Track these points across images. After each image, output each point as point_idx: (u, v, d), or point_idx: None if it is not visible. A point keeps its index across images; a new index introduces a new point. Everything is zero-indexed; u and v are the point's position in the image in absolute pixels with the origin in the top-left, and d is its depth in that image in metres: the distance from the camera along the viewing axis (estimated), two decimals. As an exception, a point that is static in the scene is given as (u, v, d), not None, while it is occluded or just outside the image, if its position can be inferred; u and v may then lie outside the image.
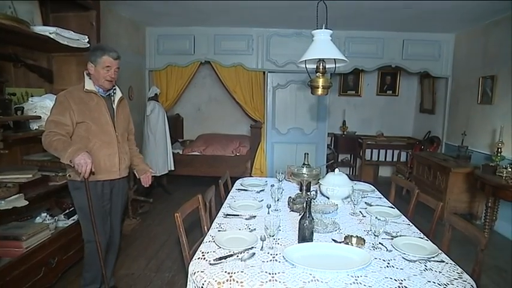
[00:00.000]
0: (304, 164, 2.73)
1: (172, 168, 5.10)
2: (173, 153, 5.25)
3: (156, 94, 4.96)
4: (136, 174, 2.62)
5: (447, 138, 5.51)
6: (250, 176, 5.37)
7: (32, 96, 2.75)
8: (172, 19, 4.81)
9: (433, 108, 6.03)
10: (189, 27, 5.22)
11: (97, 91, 2.21)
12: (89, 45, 2.77)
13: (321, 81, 2.26)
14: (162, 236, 3.81)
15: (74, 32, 2.58)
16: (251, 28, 5.24)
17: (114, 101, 2.33)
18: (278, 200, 2.27)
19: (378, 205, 2.47)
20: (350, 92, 6.86)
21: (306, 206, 1.69)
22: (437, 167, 4.61)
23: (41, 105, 2.48)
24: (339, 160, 6.73)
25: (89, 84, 2.20)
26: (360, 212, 2.31)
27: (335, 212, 2.21)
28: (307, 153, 2.70)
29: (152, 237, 3.79)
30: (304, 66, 2.42)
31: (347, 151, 6.76)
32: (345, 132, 6.65)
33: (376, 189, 2.90)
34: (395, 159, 6.52)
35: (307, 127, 5.46)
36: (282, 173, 2.78)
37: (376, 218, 1.73)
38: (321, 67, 2.27)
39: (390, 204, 2.53)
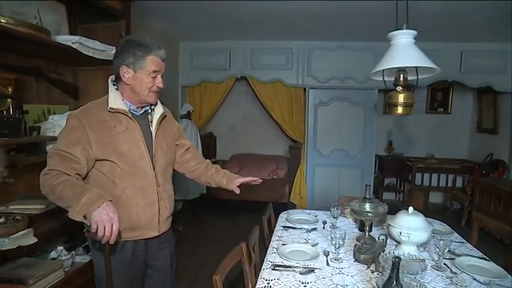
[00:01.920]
0: (365, 198, 2.23)
1: (204, 192, 4.71)
2: (205, 175, 4.87)
3: (189, 112, 4.65)
4: (227, 187, 1.93)
5: (516, 163, 4.80)
6: (289, 202, 4.93)
7: (54, 113, 2.46)
8: (208, 32, 4.54)
9: (496, 127, 5.33)
10: (225, 41, 4.93)
11: (127, 109, 1.53)
12: (117, 56, 2.45)
13: (401, 97, 1.78)
14: (193, 270, 3.39)
15: (100, 42, 2.28)
16: (291, 41, 4.87)
17: (152, 121, 1.63)
18: (339, 247, 1.79)
19: (465, 255, 1.93)
20: (396, 109, 6.27)
21: (393, 269, 1.21)
22: (511, 197, 3.92)
23: (61, 124, 2.16)
24: (384, 184, 6.11)
25: (115, 100, 1.51)
26: (445, 265, 1.78)
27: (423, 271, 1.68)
28: (369, 185, 2.22)
29: (181, 271, 3.38)
30: (377, 78, 1.95)
31: (394, 175, 6.12)
32: (392, 154, 6.05)
33: (453, 231, 2.33)
34: (448, 184, 5.80)
35: (352, 148, 4.94)
36: (337, 208, 2.30)
37: (474, 278, 1.21)
38: (401, 79, 1.79)
39: (480, 253, 1.97)
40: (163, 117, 1.68)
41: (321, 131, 4.94)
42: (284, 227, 2.29)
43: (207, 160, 1.99)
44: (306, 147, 4.98)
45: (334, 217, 2.32)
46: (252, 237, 1.97)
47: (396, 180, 6.30)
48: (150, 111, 1.64)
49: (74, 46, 2.05)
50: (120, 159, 1.49)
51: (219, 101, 5.13)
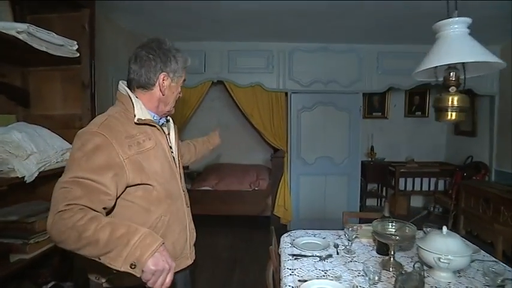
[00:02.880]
0: (384, 216, 1.91)
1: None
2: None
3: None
4: (209, 146, 2.12)
5: (498, 165, 4.74)
6: (273, 215, 4.58)
7: (-4, 126, 1.93)
8: (180, 32, 4.10)
9: (474, 129, 5.30)
10: (199, 42, 4.50)
11: (152, 118, 1.33)
12: (78, 54, 1.98)
13: (455, 100, 1.46)
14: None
15: (57, 34, 1.80)
16: (271, 43, 4.53)
17: (169, 133, 1.46)
18: (375, 283, 1.44)
19: (508, 279, 1.65)
20: (376, 113, 6.14)
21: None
22: (500, 200, 3.83)
23: (4, 140, 1.66)
24: (367, 190, 5.91)
25: (142, 110, 1.28)
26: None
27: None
28: (387, 202, 1.91)
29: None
30: (421, 79, 1.64)
31: (376, 180, 5.95)
32: (373, 159, 5.87)
33: (479, 248, 2.07)
34: (430, 187, 5.71)
35: (337, 155, 4.67)
36: (351, 229, 1.96)
37: None
38: (453, 78, 1.48)
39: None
40: (177, 128, 1.55)
41: (305, 137, 4.63)
42: (293, 255, 1.90)
43: (187, 141, 2.01)
44: (290, 155, 4.65)
45: (349, 240, 1.97)
46: (269, 274, 1.57)
47: (378, 186, 6.15)
48: (165, 122, 1.47)
49: (19, 37, 1.57)
50: (156, 180, 1.26)
51: (193, 107, 4.69)
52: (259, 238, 4.36)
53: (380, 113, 6.15)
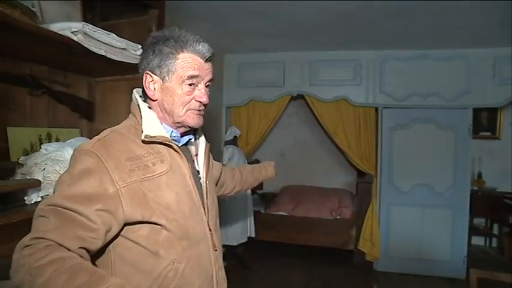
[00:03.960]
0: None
1: (253, 235, 3.84)
2: (253, 211, 4.00)
3: (235, 137, 3.87)
4: (260, 177, 1.75)
5: None
6: (357, 250, 3.93)
7: (57, 140, 1.74)
8: (256, 42, 3.80)
9: None
10: (278, 53, 4.15)
11: (168, 136, 1.01)
12: (144, 60, 1.71)
13: None
14: None
15: (118, 36, 1.54)
16: (359, 51, 3.99)
17: (197, 154, 1.13)
18: None
19: None
20: (484, 133, 5.11)
21: None
22: None
23: (56, 158, 1.41)
24: (473, 226, 4.89)
25: (152, 124, 0.99)
26: None
27: None
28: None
29: None
30: None
31: (484, 214, 4.88)
32: (481, 188, 4.85)
33: None
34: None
35: (439, 183, 3.86)
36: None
37: None
38: None
39: None
40: (209, 148, 1.17)
41: (398, 161, 3.93)
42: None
43: (232, 167, 1.65)
44: (379, 181, 3.98)
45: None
46: None
47: (486, 221, 5.07)
48: (194, 139, 1.14)
49: (74, 38, 1.31)
50: (167, 216, 0.95)
51: (271, 123, 4.31)
52: (339, 277, 3.75)
53: (489, 133, 5.12)
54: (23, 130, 1.59)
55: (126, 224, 0.92)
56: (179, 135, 1.07)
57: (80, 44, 1.33)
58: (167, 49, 0.98)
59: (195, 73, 0.98)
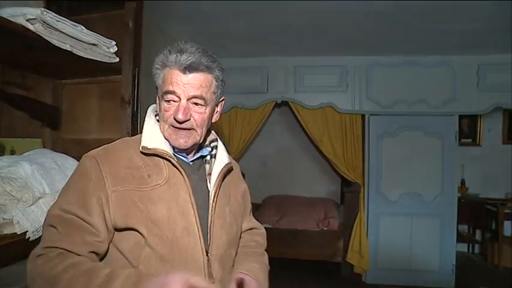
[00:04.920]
0: None
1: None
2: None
3: (217, 145, 3.65)
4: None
5: None
6: (345, 262, 3.78)
7: (12, 152, 1.46)
8: (239, 46, 3.63)
9: None
10: (261, 58, 3.98)
11: (170, 152, 0.97)
12: (117, 59, 1.48)
13: None
14: None
15: (87, 29, 1.30)
16: (344, 56, 3.87)
17: (211, 174, 1.04)
18: None
19: None
20: (465, 140, 5.12)
21: None
22: None
23: (7, 176, 1.15)
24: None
25: (152, 137, 0.98)
26: None
27: None
28: None
29: None
30: None
31: (467, 221, 4.86)
32: (464, 195, 4.83)
33: None
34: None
35: (427, 192, 3.78)
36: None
37: None
38: None
39: None
40: (228, 169, 1.08)
41: (386, 169, 3.82)
42: None
43: (261, 250, 1.23)
44: (367, 190, 3.85)
45: None
46: None
47: (468, 227, 5.07)
48: (208, 157, 1.08)
49: (31, 27, 1.07)
50: (152, 230, 0.90)
51: (254, 131, 4.11)
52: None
53: (470, 139, 5.15)
54: (-32, 141, 1.32)
55: (116, 230, 0.92)
56: (186, 151, 1.02)
57: (37, 35, 1.09)
58: (157, 64, 0.97)
59: (169, 89, 0.92)
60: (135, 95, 1.54)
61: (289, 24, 3.00)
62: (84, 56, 1.28)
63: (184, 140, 0.96)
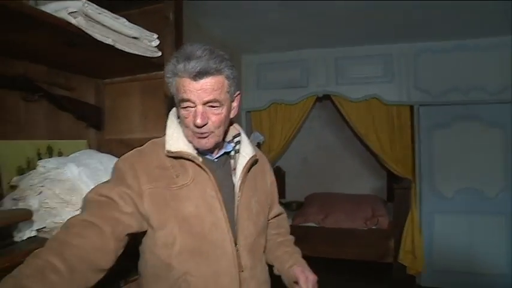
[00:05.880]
0: None
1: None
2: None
3: (258, 143, 3.55)
4: (287, 283, 1.18)
5: None
6: (397, 263, 3.55)
7: (59, 155, 1.44)
8: (278, 40, 3.50)
9: None
10: (300, 51, 3.83)
11: (194, 153, 1.01)
12: (160, 53, 1.41)
13: None
14: None
15: (129, 22, 1.23)
16: (389, 45, 3.63)
17: (236, 168, 1.08)
18: None
19: None
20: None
21: None
22: None
23: (55, 178, 1.11)
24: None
25: (175, 139, 1.02)
26: None
27: None
28: None
29: None
30: None
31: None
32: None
33: None
34: None
35: (488, 187, 3.45)
36: None
37: None
38: None
39: None
40: (253, 162, 1.10)
41: (440, 163, 3.54)
42: None
43: (290, 236, 1.32)
44: (419, 186, 3.59)
45: None
46: None
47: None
48: (233, 153, 1.11)
49: (72, 21, 1.01)
50: (183, 227, 0.96)
51: (295, 127, 3.97)
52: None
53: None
54: (16, 144, 1.30)
55: (150, 227, 0.97)
56: (210, 150, 1.04)
57: (80, 29, 1.03)
58: (167, 75, 0.98)
59: (183, 97, 0.94)
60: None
61: (328, 14, 2.83)
62: (127, 51, 1.22)
63: (206, 142, 0.99)
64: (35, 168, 1.21)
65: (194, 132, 0.97)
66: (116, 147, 1.57)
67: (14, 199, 1.11)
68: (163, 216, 0.96)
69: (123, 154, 1.29)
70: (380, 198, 4.41)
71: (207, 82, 0.92)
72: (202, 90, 0.92)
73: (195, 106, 0.94)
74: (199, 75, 0.91)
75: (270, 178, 1.26)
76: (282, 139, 3.96)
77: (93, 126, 1.64)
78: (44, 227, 1.03)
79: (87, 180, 1.15)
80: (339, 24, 3.10)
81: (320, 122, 5.03)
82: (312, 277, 1.09)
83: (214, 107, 0.95)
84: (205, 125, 0.95)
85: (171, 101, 1.47)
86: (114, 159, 1.37)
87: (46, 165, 1.19)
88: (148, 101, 1.60)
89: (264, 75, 3.98)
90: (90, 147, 1.62)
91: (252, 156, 1.09)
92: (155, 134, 1.45)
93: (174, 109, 1.09)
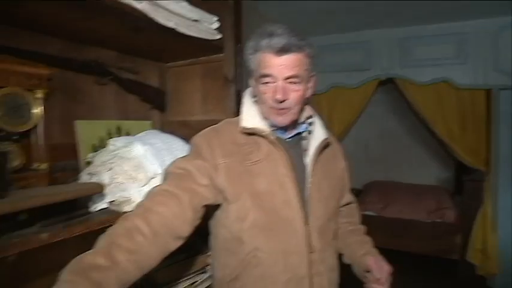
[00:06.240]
0: None
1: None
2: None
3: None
4: (358, 271, 1.20)
5: None
6: (463, 261, 3.30)
7: (127, 134, 1.54)
8: (337, 21, 3.34)
9: None
10: (361, 32, 3.64)
11: (268, 130, 1.04)
12: (220, 35, 1.42)
13: None
14: None
15: (189, 4, 1.25)
16: (461, 22, 3.30)
17: (308, 149, 1.09)
18: None
19: None
20: None
21: None
22: None
23: (124, 156, 1.19)
24: None
25: (250, 117, 1.07)
26: None
27: None
28: None
29: None
30: None
31: None
32: None
33: None
34: None
35: None
36: None
37: None
38: None
39: None
40: (325, 145, 1.11)
41: (520, 154, 3.19)
42: None
43: (361, 226, 1.33)
44: (496, 179, 3.25)
45: None
46: None
47: None
48: (305, 134, 1.12)
49: (137, 6, 1.05)
50: (255, 202, 1.00)
51: (356, 112, 3.83)
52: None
53: None
54: (91, 123, 1.41)
55: (222, 200, 1.01)
56: (284, 129, 1.07)
57: (144, 14, 1.07)
58: (251, 47, 1.01)
59: (265, 72, 0.98)
60: (238, 73, 1.48)
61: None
62: (188, 33, 1.25)
63: (283, 118, 1.01)
64: (106, 146, 1.31)
65: (272, 107, 1.00)
66: (178, 128, 1.64)
67: (89, 174, 1.22)
68: (237, 190, 1.00)
69: (185, 134, 1.33)
70: (446, 190, 4.11)
71: (289, 58, 0.95)
72: (284, 66, 0.96)
73: (275, 82, 0.97)
74: (282, 50, 0.94)
75: (343, 163, 1.25)
76: (342, 123, 3.84)
77: (157, 108, 1.72)
78: (114, 200, 1.11)
79: (151, 158, 1.21)
80: (403, 1, 2.87)
81: (382, 107, 4.79)
82: (386, 267, 1.10)
83: (294, 83, 0.98)
84: (284, 100, 0.98)
85: (231, 84, 1.50)
86: (176, 140, 1.43)
87: (115, 143, 1.27)
88: (209, 83, 1.64)
89: (324, 58, 3.83)
90: (154, 127, 1.71)
91: (324, 139, 1.10)
92: (215, 117, 1.50)
93: (248, 89, 1.13)
